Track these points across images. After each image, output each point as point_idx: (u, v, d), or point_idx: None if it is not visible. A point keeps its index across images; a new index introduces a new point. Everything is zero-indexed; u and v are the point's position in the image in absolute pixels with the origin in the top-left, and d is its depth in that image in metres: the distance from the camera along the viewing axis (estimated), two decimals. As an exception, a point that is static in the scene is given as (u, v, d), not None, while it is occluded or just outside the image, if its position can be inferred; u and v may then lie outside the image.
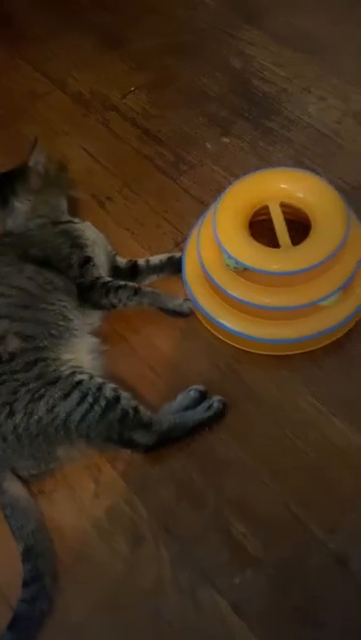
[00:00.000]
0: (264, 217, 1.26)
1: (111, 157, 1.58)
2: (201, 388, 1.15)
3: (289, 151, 1.52)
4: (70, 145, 1.61)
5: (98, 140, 1.62)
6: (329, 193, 1.22)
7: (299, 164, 1.47)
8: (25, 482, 1.09)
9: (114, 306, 1.25)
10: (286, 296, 1.15)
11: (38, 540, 1.03)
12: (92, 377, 1.10)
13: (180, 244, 1.38)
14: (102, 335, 1.24)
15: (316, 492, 1.06)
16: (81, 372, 1.11)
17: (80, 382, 1.08)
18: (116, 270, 1.33)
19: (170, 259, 1.33)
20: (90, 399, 1.07)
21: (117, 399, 1.08)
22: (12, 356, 1.10)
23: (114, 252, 1.36)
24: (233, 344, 1.22)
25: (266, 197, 1.25)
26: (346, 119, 1.57)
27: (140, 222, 1.44)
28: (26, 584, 1.00)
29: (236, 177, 1.30)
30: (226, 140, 1.57)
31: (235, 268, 1.16)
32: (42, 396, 1.07)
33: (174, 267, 1.32)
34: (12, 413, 1.06)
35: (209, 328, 1.25)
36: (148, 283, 1.32)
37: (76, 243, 1.28)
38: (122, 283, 1.25)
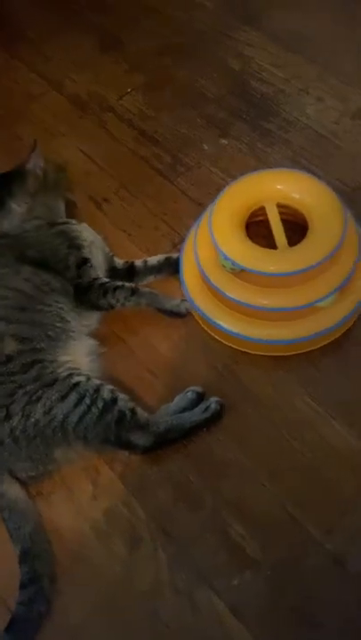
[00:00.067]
0: (261, 218, 1.26)
1: (108, 159, 1.57)
2: (198, 389, 1.16)
3: (287, 152, 1.52)
4: (67, 146, 1.60)
5: (95, 141, 1.62)
6: (326, 194, 1.22)
7: (297, 165, 1.47)
8: (23, 484, 1.09)
9: (112, 306, 1.24)
10: (283, 297, 1.15)
11: (36, 542, 1.04)
12: (89, 379, 1.10)
13: (177, 245, 1.37)
14: (100, 337, 1.24)
15: (313, 493, 1.06)
16: (78, 374, 1.11)
17: (77, 384, 1.08)
18: (113, 271, 1.33)
19: (167, 259, 1.33)
20: (87, 401, 1.07)
21: (115, 401, 1.08)
22: (9, 359, 1.10)
23: (111, 254, 1.35)
24: (230, 345, 1.22)
25: (262, 198, 1.25)
26: (344, 120, 1.56)
27: (138, 224, 1.44)
28: (23, 586, 1.00)
29: (234, 179, 1.30)
30: (224, 141, 1.57)
31: (231, 269, 1.16)
32: (39, 398, 1.07)
33: (172, 267, 1.32)
34: (9, 416, 1.06)
35: (206, 329, 1.25)
36: (146, 284, 1.32)
37: (74, 244, 1.28)
38: (119, 283, 1.25)
